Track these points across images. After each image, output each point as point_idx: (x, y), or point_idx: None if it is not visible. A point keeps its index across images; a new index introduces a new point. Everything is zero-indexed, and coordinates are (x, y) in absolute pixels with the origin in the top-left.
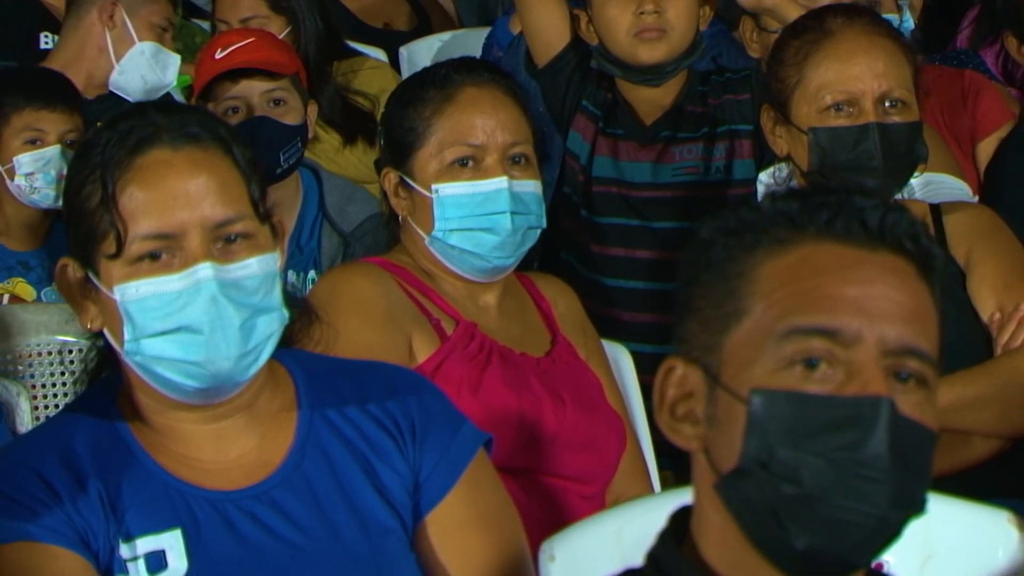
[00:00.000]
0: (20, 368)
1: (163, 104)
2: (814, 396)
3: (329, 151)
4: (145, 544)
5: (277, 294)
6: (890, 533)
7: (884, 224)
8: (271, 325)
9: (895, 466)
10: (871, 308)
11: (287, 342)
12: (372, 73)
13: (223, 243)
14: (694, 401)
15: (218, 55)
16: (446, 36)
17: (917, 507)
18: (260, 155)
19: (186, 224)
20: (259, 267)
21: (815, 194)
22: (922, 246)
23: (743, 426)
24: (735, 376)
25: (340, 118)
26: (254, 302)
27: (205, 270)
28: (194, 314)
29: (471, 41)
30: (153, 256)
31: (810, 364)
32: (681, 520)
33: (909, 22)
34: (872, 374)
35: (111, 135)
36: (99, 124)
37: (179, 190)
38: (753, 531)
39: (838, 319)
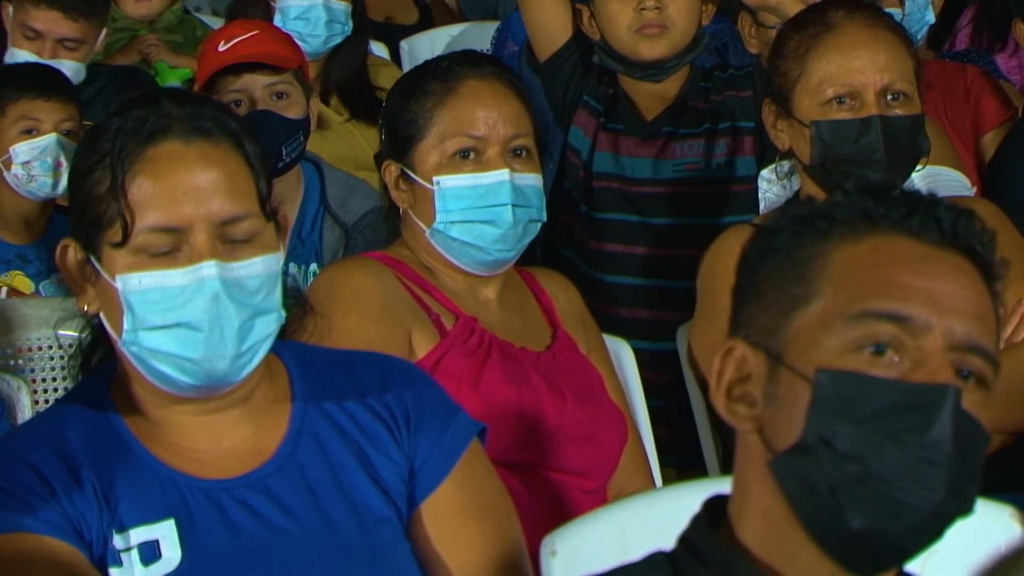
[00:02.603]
0: (21, 362)
1: (177, 93)
2: (881, 379)
3: (334, 123)
4: (138, 535)
5: (277, 295)
6: (941, 524)
7: (957, 226)
8: (269, 327)
9: (956, 455)
10: (941, 301)
11: (280, 333)
12: (388, 71)
13: (229, 240)
14: (751, 384)
15: (221, 47)
16: (447, 30)
17: (968, 504)
18: (262, 149)
19: (193, 219)
20: (263, 267)
21: (891, 190)
22: (988, 252)
23: (807, 404)
24: (799, 356)
25: (356, 88)
26: (255, 303)
27: (209, 268)
28: (195, 311)
29: (473, 35)
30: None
31: (878, 350)
32: (715, 506)
33: (930, 16)
34: (939, 363)
35: (123, 122)
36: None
37: (188, 184)
38: (806, 510)
39: (909, 307)
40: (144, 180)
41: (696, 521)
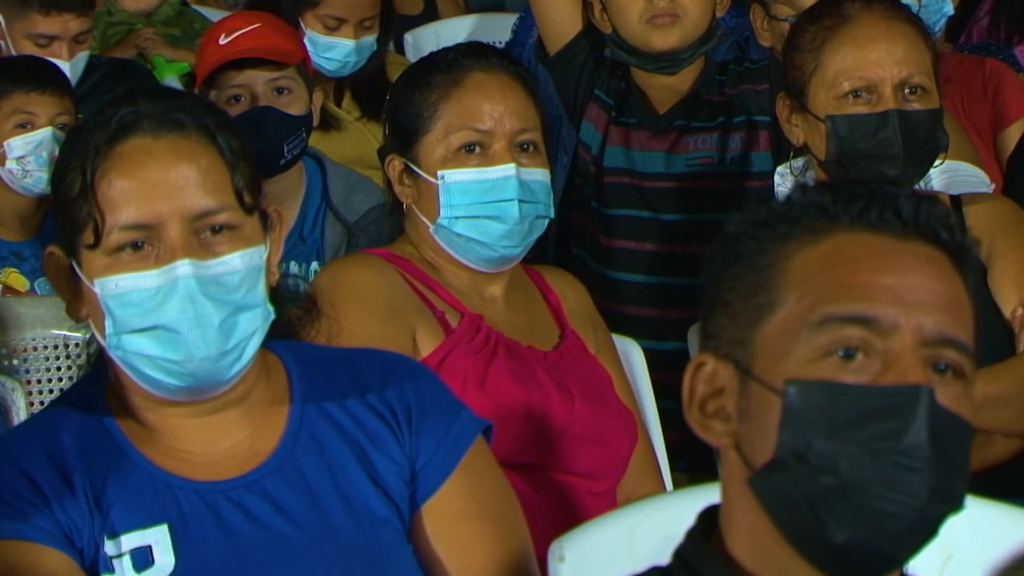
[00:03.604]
0: (16, 363)
1: (153, 90)
2: (851, 386)
3: (346, 123)
4: (131, 540)
5: (261, 289)
6: (929, 527)
7: (919, 214)
8: (254, 322)
9: (935, 456)
10: (908, 297)
11: (290, 335)
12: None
13: (206, 234)
14: (724, 397)
15: (222, 40)
16: (453, 22)
17: (955, 502)
18: (264, 146)
19: (165, 214)
20: (241, 262)
21: (847, 184)
22: (956, 237)
23: (778, 418)
24: (768, 368)
25: (374, 87)
26: (235, 299)
27: (184, 267)
28: (171, 313)
29: (478, 27)
30: (134, 246)
31: (846, 355)
32: (710, 518)
33: (948, 7)
34: (910, 363)
35: (96, 121)
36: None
37: (159, 179)
38: (789, 526)
39: (875, 307)
40: (114, 177)
41: (691, 534)
